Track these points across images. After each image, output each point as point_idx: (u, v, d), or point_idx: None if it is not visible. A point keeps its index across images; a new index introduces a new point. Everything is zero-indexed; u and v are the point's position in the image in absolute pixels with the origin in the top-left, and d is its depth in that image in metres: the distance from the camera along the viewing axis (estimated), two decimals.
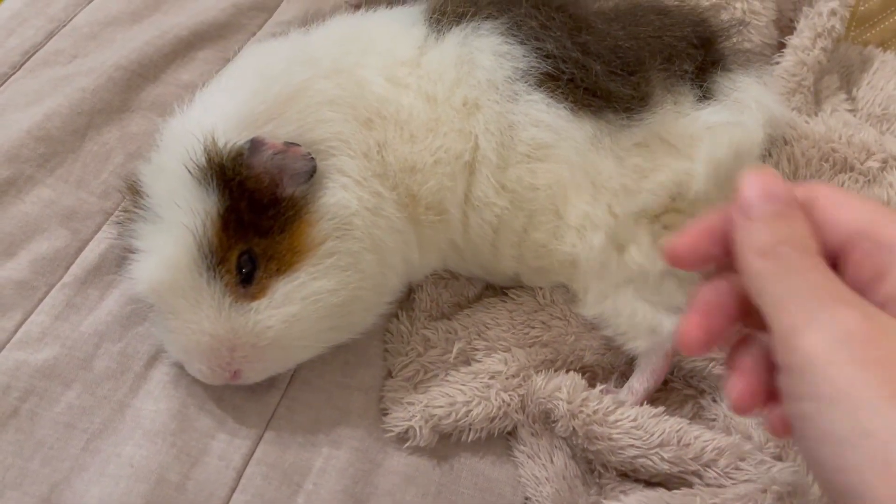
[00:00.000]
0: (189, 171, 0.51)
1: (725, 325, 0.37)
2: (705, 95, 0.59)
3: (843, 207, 0.36)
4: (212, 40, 0.80)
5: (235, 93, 0.55)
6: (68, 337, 0.58)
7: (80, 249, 0.63)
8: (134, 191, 0.56)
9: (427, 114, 0.58)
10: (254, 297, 0.52)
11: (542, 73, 0.57)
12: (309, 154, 0.52)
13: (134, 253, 0.54)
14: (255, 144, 0.51)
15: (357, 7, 0.83)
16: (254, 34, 0.83)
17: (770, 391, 0.36)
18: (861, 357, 0.30)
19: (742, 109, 0.59)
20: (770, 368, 0.36)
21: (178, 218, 0.51)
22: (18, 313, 0.59)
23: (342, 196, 0.53)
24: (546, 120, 0.56)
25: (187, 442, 0.55)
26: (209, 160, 0.51)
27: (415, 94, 0.58)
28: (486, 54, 0.58)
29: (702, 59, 0.59)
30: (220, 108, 0.54)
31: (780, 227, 0.34)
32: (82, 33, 0.77)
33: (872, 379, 0.29)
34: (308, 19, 0.68)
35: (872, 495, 0.29)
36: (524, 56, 0.57)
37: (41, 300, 0.60)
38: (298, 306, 0.52)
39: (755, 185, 0.35)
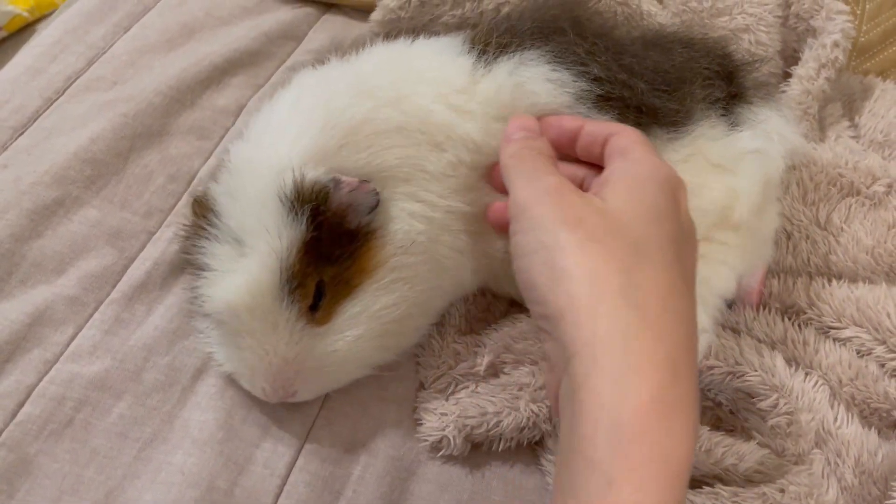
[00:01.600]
0: (280, 201, 0.54)
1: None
2: (733, 124, 0.63)
3: (596, 125, 0.55)
4: (244, 67, 0.84)
5: (307, 127, 0.57)
6: (118, 350, 0.61)
7: (127, 267, 0.66)
8: (205, 208, 0.59)
9: (500, 137, 0.59)
10: (319, 323, 0.56)
11: (594, 97, 0.60)
12: (375, 189, 0.56)
13: (203, 270, 0.57)
14: (336, 182, 0.54)
15: (380, 37, 0.87)
16: (283, 62, 0.87)
17: None
18: (550, 202, 0.46)
19: (766, 140, 0.62)
20: None
21: (266, 242, 0.54)
22: (70, 328, 0.62)
23: (409, 222, 0.57)
24: None
25: (234, 450, 0.58)
26: (298, 192, 0.54)
27: (481, 118, 0.60)
28: (540, 82, 0.60)
29: (727, 91, 0.63)
30: (293, 142, 0.56)
31: (525, 142, 0.53)
32: (121, 60, 0.81)
33: (553, 214, 0.45)
34: (336, 47, 0.72)
35: (539, 283, 0.44)
36: (574, 81, 0.60)
37: (91, 315, 0.63)
38: (363, 327, 0.56)
39: (515, 122, 0.56)
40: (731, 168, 0.61)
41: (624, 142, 0.51)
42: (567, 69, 0.61)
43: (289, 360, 0.55)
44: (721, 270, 0.62)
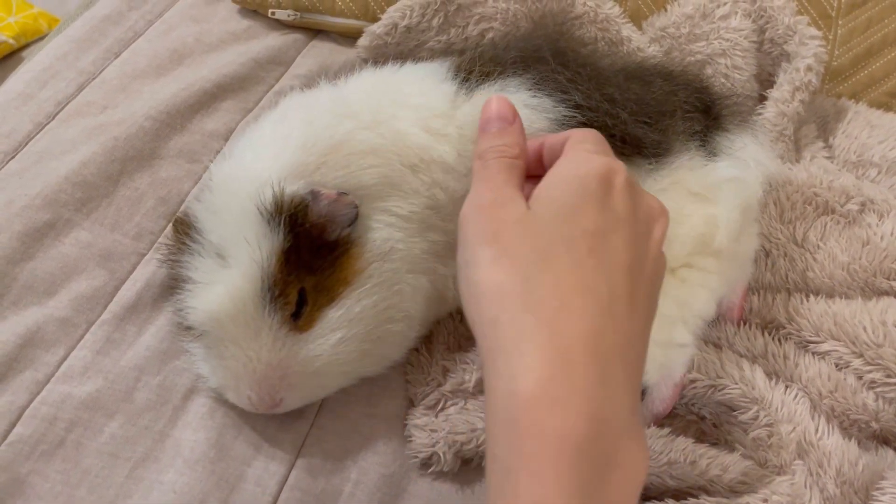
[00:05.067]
0: (260, 213, 0.55)
1: None
2: (711, 154, 0.65)
3: (554, 137, 0.52)
4: (233, 92, 0.85)
5: (287, 144, 0.59)
6: (110, 371, 0.62)
7: (118, 288, 0.67)
8: (187, 225, 0.61)
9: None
10: (301, 330, 0.57)
11: (576, 123, 0.61)
12: (354, 202, 0.57)
13: (186, 283, 0.58)
14: (314, 195, 0.56)
15: (367, 62, 0.89)
16: (272, 86, 0.88)
17: None
18: (478, 219, 0.46)
19: (744, 167, 0.64)
20: None
21: (246, 253, 0.55)
22: (61, 349, 0.62)
23: (388, 231, 0.59)
24: None
25: (225, 469, 0.58)
26: (278, 204, 0.55)
27: (457, 141, 0.62)
28: (520, 108, 0.62)
29: (705, 123, 0.65)
30: (273, 158, 0.58)
31: (495, 139, 0.50)
32: (112, 86, 0.82)
33: (476, 230, 0.45)
34: (324, 72, 0.73)
35: (465, 299, 0.45)
36: (554, 107, 0.62)
37: (82, 336, 0.63)
38: (345, 330, 0.57)
39: (492, 109, 0.51)
40: (709, 197, 0.64)
41: (567, 144, 0.50)
42: (548, 95, 0.63)
43: (272, 365, 0.56)
44: (700, 293, 0.64)
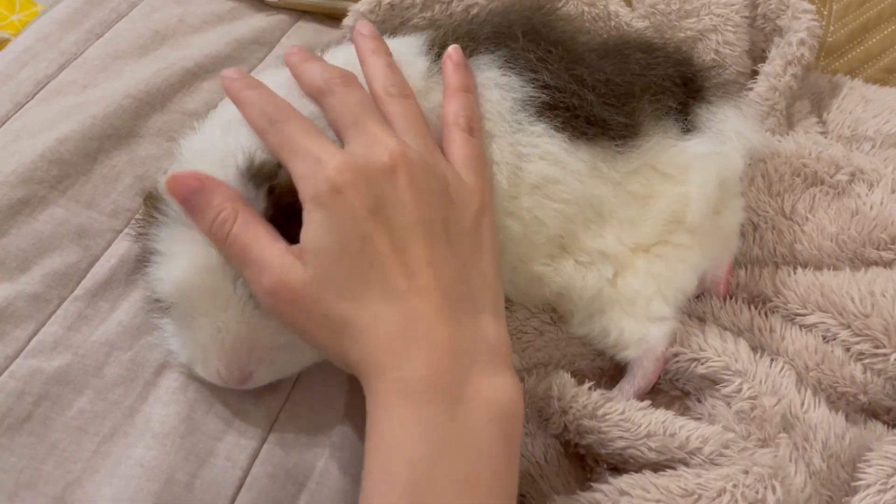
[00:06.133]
0: (227, 182, 0.54)
1: None
2: (688, 128, 0.63)
3: None
4: (215, 72, 0.84)
5: None
6: (80, 346, 0.61)
7: (91, 265, 0.66)
8: (156, 199, 0.60)
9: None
10: None
11: (540, 103, 0.60)
12: None
13: (156, 255, 0.57)
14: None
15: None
16: (254, 67, 0.87)
17: None
18: (273, 306, 0.53)
19: (723, 140, 0.63)
20: None
21: None
22: (32, 324, 0.61)
23: None
24: (553, 152, 0.59)
25: (195, 443, 0.57)
26: (252, 173, 0.55)
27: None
28: (490, 87, 0.61)
29: (684, 96, 0.64)
30: (243, 129, 0.57)
31: (203, 215, 0.54)
32: (93, 65, 0.81)
33: (283, 317, 0.54)
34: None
35: None
36: (521, 86, 0.60)
37: (53, 312, 0.62)
38: None
39: (176, 187, 0.55)
40: (679, 177, 0.62)
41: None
42: (517, 74, 0.61)
43: (241, 337, 0.55)
44: (678, 267, 0.62)
